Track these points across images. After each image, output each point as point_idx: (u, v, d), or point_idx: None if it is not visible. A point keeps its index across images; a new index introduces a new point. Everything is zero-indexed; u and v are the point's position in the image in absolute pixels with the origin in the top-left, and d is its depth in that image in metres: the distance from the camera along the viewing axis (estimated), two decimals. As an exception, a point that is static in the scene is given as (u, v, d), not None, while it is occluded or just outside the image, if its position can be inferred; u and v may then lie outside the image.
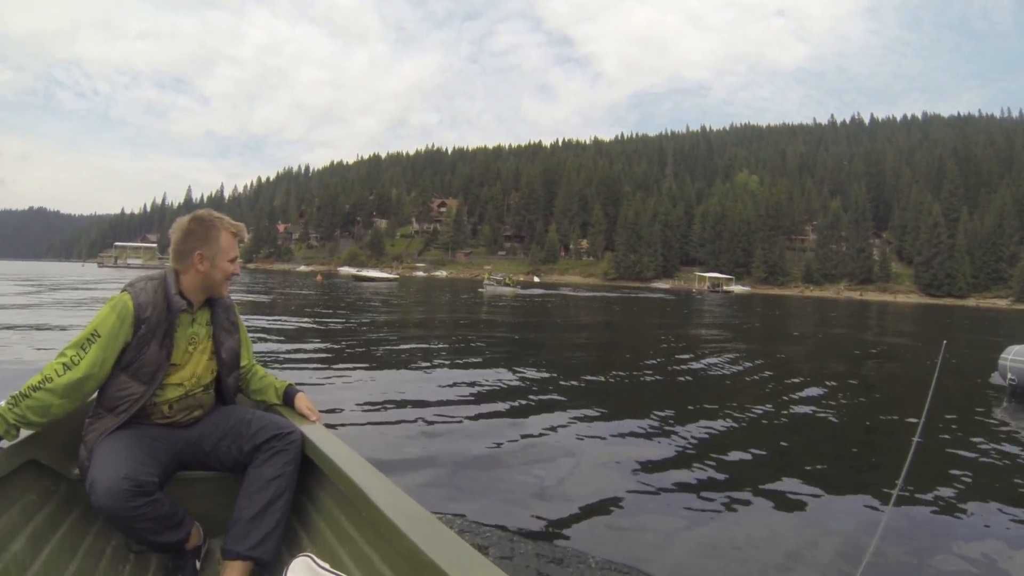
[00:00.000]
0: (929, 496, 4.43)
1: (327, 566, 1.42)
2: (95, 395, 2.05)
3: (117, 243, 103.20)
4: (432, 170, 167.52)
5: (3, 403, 1.86)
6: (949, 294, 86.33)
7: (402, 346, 11.76)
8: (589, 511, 3.98)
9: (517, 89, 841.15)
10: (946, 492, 4.53)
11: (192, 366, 2.17)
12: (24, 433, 1.93)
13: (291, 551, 2.05)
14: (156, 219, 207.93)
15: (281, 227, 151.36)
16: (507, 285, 49.09)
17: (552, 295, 45.33)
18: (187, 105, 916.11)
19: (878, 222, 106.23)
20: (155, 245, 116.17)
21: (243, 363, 2.45)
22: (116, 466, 1.77)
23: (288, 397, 2.50)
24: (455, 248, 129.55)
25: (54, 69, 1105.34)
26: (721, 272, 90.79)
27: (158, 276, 2.11)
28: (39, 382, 1.86)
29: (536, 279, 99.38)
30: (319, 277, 61.41)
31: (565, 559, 3.27)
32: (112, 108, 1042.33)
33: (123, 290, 2.02)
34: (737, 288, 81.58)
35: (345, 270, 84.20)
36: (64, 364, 1.88)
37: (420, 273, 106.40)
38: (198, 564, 2.05)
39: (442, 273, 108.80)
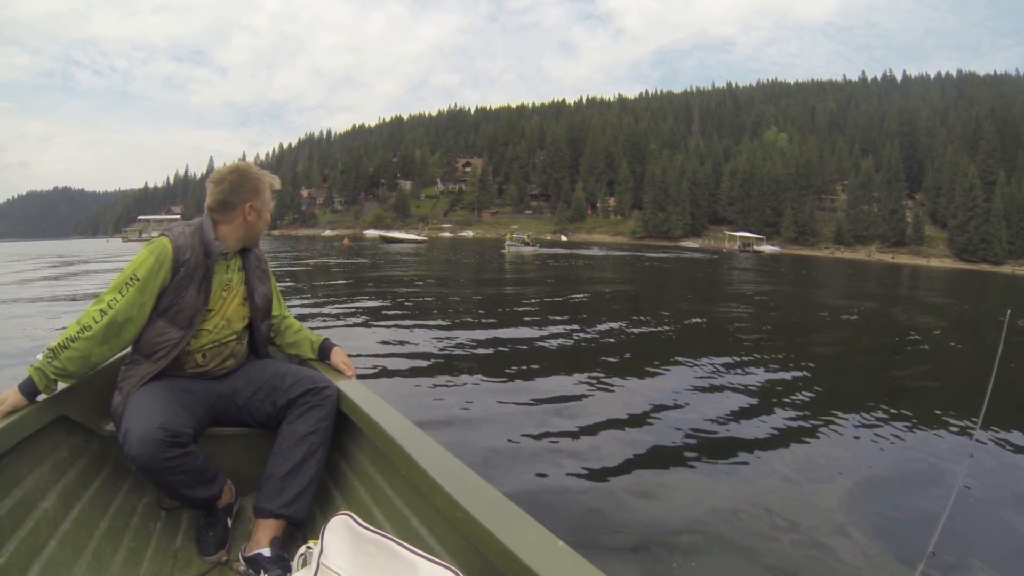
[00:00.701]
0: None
1: (368, 525, 1.37)
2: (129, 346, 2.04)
3: (140, 216, 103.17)
4: (455, 130, 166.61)
5: (40, 357, 1.84)
6: (984, 260, 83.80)
7: (442, 311, 11.46)
8: (645, 464, 4.10)
9: (538, 47, 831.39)
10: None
11: (226, 311, 2.18)
12: (57, 387, 1.91)
13: (324, 510, 2.07)
14: (180, 191, 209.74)
15: (305, 192, 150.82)
16: (528, 245, 48.89)
17: (580, 255, 44.11)
18: (205, 76, 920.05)
19: (911, 183, 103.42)
20: (179, 216, 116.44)
21: (275, 312, 2.46)
22: (151, 416, 1.74)
23: (323, 351, 2.50)
24: (481, 208, 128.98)
25: (70, 49, 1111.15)
26: (751, 231, 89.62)
27: (195, 223, 2.13)
28: (77, 332, 1.85)
29: (564, 237, 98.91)
30: (346, 241, 61.00)
31: (611, 520, 3.33)
32: (131, 84, 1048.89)
33: (161, 234, 2.04)
34: (767, 248, 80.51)
35: (371, 233, 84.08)
36: (101, 310, 1.86)
37: (446, 234, 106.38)
38: (230, 522, 2.04)
39: (468, 233, 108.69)
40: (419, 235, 70.17)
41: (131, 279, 1.91)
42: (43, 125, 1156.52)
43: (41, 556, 1.60)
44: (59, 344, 1.84)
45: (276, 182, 2.29)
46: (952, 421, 5.27)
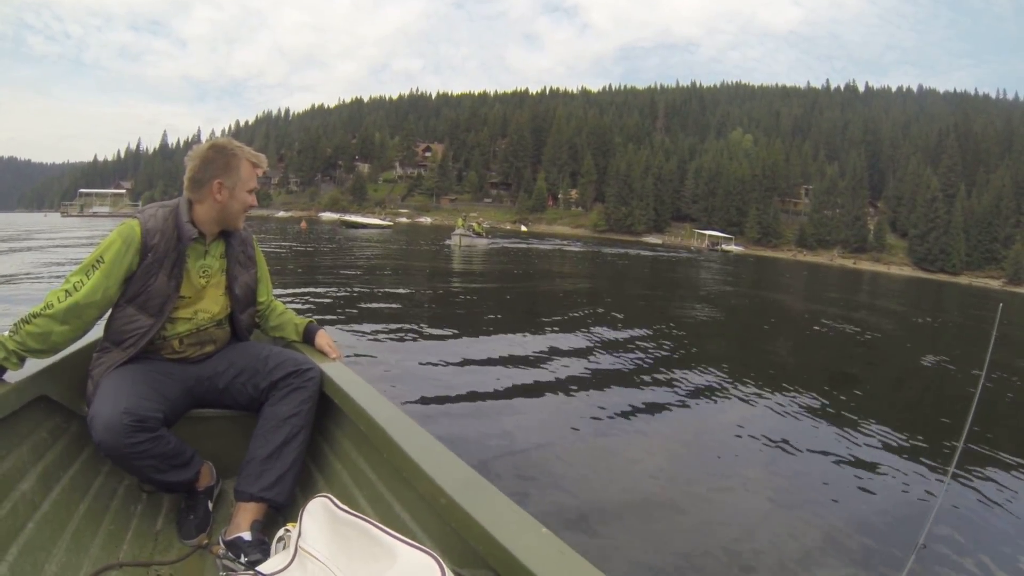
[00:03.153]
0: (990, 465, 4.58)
1: (346, 507, 1.36)
2: (103, 329, 2.00)
3: (82, 190, 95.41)
4: (416, 114, 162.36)
5: (6, 332, 1.82)
6: (942, 270, 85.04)
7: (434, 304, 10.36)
8: (635, 476, 4.10)
9: (503, 37, 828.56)
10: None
11: (204, 300, 2.10)
12: (34, 368, 1.89)
13: (306, 493, 2.02)
14: (130, 165, 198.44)
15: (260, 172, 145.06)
16: (481, 236, 38.31)
17: (541, 250, 37.43)
18: (163, 48, 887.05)
19: (872, 191, 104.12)
20: (124, 192, 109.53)
21: (261, 299, 2.37)
22: (116, 401, 1.71)
23: (308, 334, 2.43)
24: (440, 194, 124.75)
25: (23, 12, 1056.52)
26: (715, 230, 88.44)
27: (171, 204, 2.04)
28: (41, 309, 1.81)
29: (523, 228, 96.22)
30: (303, 224, 55.26)
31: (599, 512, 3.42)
32: (84, 52, 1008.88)
33: (133, 216, 1.97)
34: (735, 248, 79.31)
35: (328, 216, 79.92)
36: (66, 290, 1.83)
37: (404, 219, 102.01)
38: (210, 505, 2.01)
39: (426, 220, 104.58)
40: (384, 220, 64.29)
41: (97, 261, 1.85)
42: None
43: (19, 538, 1.56)
44: (22, 319, 1.81)
45: (261, 160, 2.17)
46: (940, 422, 5.49)
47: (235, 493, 1.88)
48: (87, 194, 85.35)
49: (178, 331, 2.01)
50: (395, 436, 1.59)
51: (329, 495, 1.38)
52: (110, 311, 1.94)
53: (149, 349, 1.96)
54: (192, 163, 2.00)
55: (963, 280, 79.77)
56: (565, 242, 55.64)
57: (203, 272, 2.05)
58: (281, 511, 1.90)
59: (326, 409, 2.09)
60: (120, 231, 1.87)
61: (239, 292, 2.17)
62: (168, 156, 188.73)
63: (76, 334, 1.88)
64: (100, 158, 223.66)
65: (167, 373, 1.95)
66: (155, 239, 1.89)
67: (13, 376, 1.80)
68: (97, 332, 2.01)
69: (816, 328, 11.02)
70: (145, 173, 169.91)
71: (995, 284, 76.93)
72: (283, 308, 2.49)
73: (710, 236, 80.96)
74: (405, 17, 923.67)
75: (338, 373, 2.09)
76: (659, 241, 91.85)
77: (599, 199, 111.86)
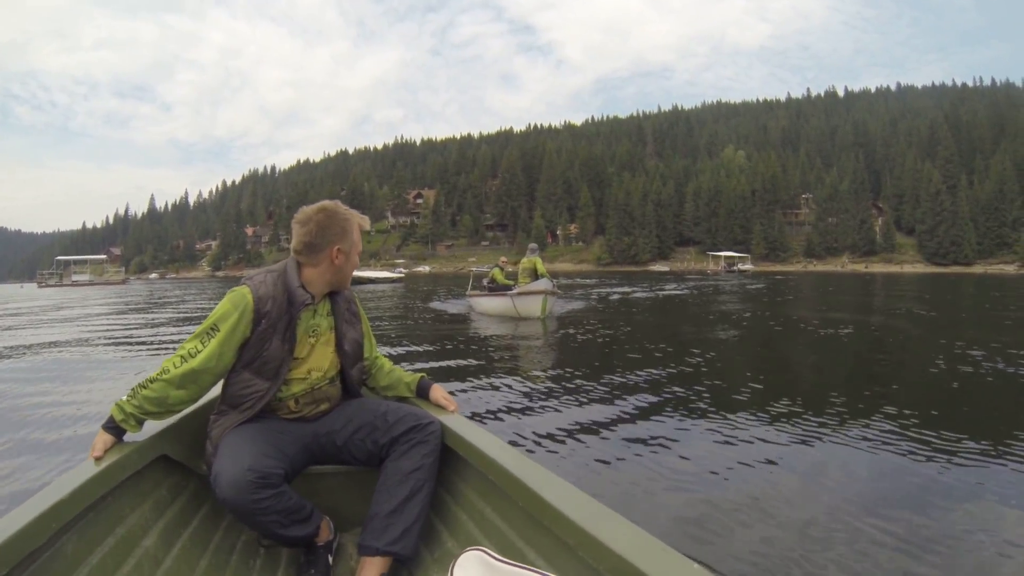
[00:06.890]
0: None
1: (505, 558, 1.33)
2: (219, 392, 2.05)
3: (58, 257, 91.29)
4: (403, 162, 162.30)
5: (123, 396, 1.89)
6: (955, 262, 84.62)
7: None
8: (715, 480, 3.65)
9: (480, 80, 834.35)
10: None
11: (315, 359, 2.10)
12: (154, 428, 1.96)
13: (430, 546, 2.02)
14: (120, 231, 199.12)
15: (249, 231, 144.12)
16: (552, 291, 13.22)
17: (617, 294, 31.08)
18: (149, 113, 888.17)
19: (871, 192, 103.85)
20: (105, 257, 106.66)
21: (366, 355, 2.37)
22: (240, 458, 1.75)
23: (421, 390, 2.42)
24: (435, 241, 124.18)
25: (9, 83, 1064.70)
26: (722, 250, 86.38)
27: (278, 268, 2.05)
28: (157, 374, 1.88)
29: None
30: None
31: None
32: (71, 120, 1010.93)
33: (243, 283, 1.99)
34: (750, 267, 77.51)
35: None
36: (182, 356, 1.88)
37: (401, 270, 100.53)
38: (330, 559, 2.03)
39: (425, 268, 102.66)
40: (393, 272, 61.07)
41: (212, 329, 1.90)
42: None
43: None
44: (140, 384, 1.88)
45: (365, 222, 2.19)
46: None
47: (359, 548, 1.89)
48: (64, 261, 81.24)
49: (293, 392, 2.03)
50: (530, 482, 1.55)
51: (484, 548, 1.35)
52: (226, 376, 1.97)
53: (266, 410, 1.98)
54: (305, 228, 2.01)
55: (977, 269, 79.08)
56: (572, 280, 52.48)
57: (312, 332, 2.07)
58: (405, 564, 1.90)
59: (446, 461, 2.10)
60: (232, 299, 1.90)
61: (348, 348, 2.18)
62: (156, 220, 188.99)
63: (192, 398, 1.94)
64: (89, 225, 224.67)
65: (285, 431, 1.97)
66: (267, 306, 1.91)
67: (134, 437, 1.86)
68: (213, 393, 2.04)
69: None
70: (134, 238, 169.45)
71: (1010, 269, 76.37)
72: (391, 365, 2.47)
73: (725, 257, 78.67)
74: (384, 68, 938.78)
75: (458, 425, 2.08)
76: (666, 268, 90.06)
77: (599, 231, 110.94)
